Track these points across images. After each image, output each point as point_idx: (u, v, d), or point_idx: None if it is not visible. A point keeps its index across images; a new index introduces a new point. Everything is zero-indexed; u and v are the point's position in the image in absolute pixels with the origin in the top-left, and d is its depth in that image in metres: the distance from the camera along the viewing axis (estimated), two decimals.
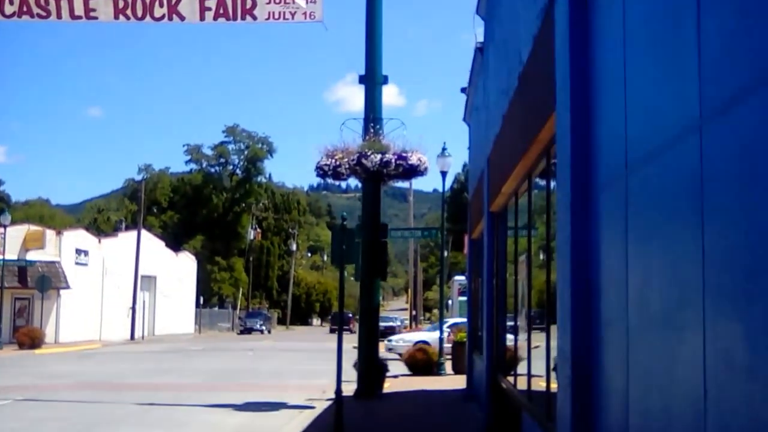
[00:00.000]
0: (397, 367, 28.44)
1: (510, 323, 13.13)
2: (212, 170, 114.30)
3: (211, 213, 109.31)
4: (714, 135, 3.84)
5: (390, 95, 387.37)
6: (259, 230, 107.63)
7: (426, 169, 21.00)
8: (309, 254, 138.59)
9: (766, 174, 3.28)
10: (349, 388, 21.35)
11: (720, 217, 3.78)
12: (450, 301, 58.93)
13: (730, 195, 3.65)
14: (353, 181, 23.54)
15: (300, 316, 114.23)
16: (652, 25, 4.94)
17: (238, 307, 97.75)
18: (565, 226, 6.60)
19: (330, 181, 22.49)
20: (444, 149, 28.38)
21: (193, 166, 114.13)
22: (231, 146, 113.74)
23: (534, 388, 10.00)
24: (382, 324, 63.57)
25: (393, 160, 20.09)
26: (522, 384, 11.15)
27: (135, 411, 19.38)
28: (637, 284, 5.16)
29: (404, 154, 20.28)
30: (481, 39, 17.04)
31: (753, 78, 3.39)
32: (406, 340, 36.79)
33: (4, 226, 47.16)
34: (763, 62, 3.28)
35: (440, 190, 30.33)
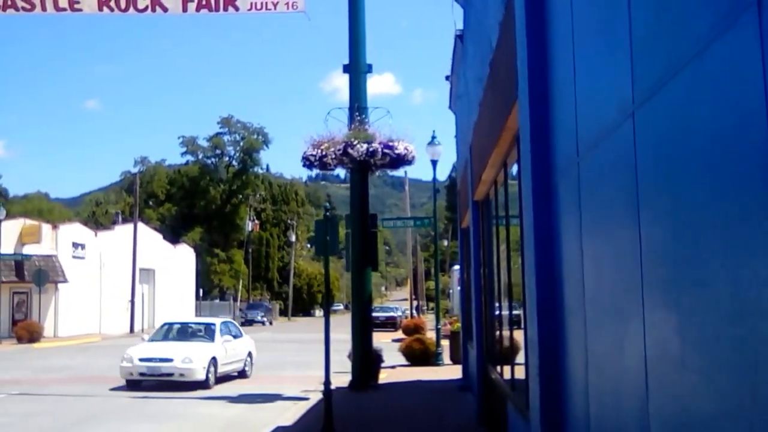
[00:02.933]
0: (395, 357, 28.40)
1: (497, 313, 13.08)
2: (208, 162, 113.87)
3: (208, 205, 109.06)
4: (643, 121, 3.79)
5: (386, 84, 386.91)
6: (257, 221, 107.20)
7: (413, 158, 20.90)
8: (309, 245, 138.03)
9: (687, 161, 3.23)
10: (346, 380, 21.35)
11: (651, 206, 3.74)
12: (451, 291, 58.84)
13: (659, 183, 3.61)
14: None
15: (302, 307, 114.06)
16: (594, 10, 4.89)
17: (239, 298, 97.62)
18: (529, 214, 6.55)
19: (318, 171, 22.44)
20: (433, 137, 28.24)
21: (189, 157, 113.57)
22: (226, 137, 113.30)
23: (517, 377, 9.96)
24: (383, 314, 64.04)
25: (379, 150, 20.00)
26: (508, 374, 11.11)
27: (127, 404, 19.43)
28: (591, 273, 5.13)
29: (390, 143, 20.18)
30: (460, 26, 16.97)
31: (671, 64, 3.35)
32: (146, 358, 22.74)
33: (0, 221, 47.15)
34: (678, 49, 3.22)
35: (439, 178, 30.39)
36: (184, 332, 25.31)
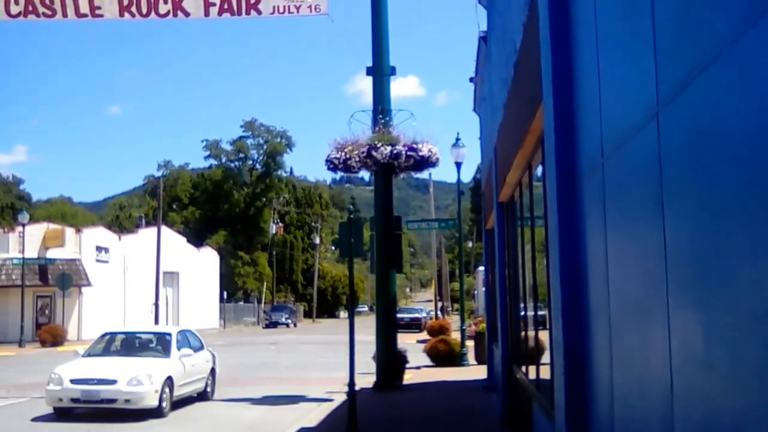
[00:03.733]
0: (420, 358, 28.38)
1: (522, 313, 13.12)
2: (232, 165, 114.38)
3: (232, 208, 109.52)
4: (668, 121, 3.80)
5: (410, 86, 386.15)
6: (281, 224, 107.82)
7: (437, 160, 20.95)
8: (333, 247, 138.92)
9: (712, 160, 3.24)
10: (370, 381, 21.39)
11: (677, 206, 3.76)
12: (476, 292, 58.90)
13: (684, 183, 3.62)
14: None
15: (327, 309, 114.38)
16: (617, 10, 4.91)
17: (263, 301, 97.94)
18: (553, 215, 6.58)
19: (342, 174, 22.52)
20: (458, 140, 28.35)
21: (212, 161, 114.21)
22: (250, 141, 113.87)
23: (543, 377, 9.97)
24: (407, 315, 64.15)
25: (403, 152, 20.05)
26: (533, 374, 11.13)
27: None
28: (616, 274, 5.16)
29: (414, 146, 20.23)
30: (484, 28, 17.02)
31: (694, 64, 3.35)
32: (81, 379, 17.71)
33: (23, 225, 47.78)
34: (701, 49, 3.23)
35: (463, 180, 30.38)
36: (131, 345, 20.14)
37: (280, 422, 16.60)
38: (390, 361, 21.53)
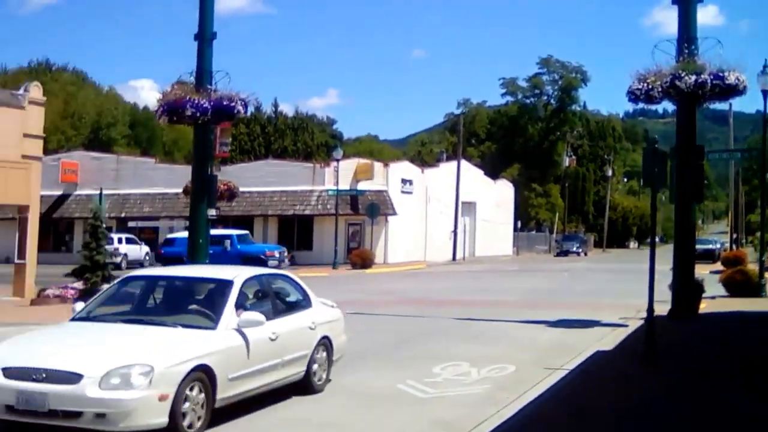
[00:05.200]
0: (713, 289, 27.83)
1: None
2: (527, 101, 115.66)
3: (527, 142, 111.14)
4: None
5: (708, 15, 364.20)
6: (574, 157, 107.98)
7: (745, 88, 20.13)
8: (625, 179, 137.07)
9: None
10: (664, 309, 21.52)
11: None
12: None
13: None
14: (670, 106, 23.20)
15: (616, 239, 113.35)
16: None
17: (555, 230, 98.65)
18: None
19: (643, 105, 22.45)
20: (765, 66, 27.08)
21: (508, 98, 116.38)
22: (545, 77, 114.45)
23: None
24: (701, 246, 62.04)
25: (709, 81, 19.51)
26: None
27: (452, 325, 20.51)
28: None
29: (720, 74, 19.63)
30: None
31: None
32: (21, 368, 8.91)
33: (337, 160, 52.59)
34: None
35: (762, 110, 29.04)
36: (167, 301, 11.57)
37: (576, 344, 16.93)
38: (686, 289, 21.44)
